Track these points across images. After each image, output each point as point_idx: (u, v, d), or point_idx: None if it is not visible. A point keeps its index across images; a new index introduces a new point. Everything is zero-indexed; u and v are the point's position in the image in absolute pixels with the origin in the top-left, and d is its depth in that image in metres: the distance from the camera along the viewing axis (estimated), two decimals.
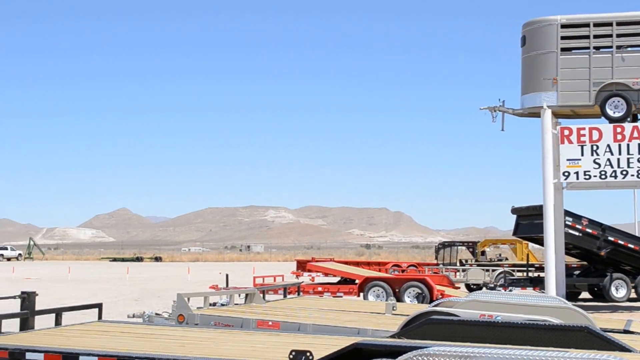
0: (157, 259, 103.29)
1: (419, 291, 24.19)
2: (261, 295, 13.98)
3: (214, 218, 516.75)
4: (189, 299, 11.50)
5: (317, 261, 31.62)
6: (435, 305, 10.78)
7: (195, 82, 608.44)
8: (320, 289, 25.96)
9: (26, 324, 9.85)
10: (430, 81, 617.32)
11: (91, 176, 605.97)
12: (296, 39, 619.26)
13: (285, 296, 16.64)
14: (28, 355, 7.60)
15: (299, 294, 18.16)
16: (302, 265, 31.42)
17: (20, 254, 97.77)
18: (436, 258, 40.18)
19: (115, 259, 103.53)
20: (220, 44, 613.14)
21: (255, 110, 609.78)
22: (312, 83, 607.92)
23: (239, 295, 14.38)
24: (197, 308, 11.93)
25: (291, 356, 6.12)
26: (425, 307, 11.32)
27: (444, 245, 40.47)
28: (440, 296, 22.61)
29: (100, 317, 10.81)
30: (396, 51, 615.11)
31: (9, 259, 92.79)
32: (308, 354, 6.07)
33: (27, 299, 9.99)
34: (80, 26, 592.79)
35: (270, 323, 10.76)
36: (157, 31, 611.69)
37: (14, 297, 10.27)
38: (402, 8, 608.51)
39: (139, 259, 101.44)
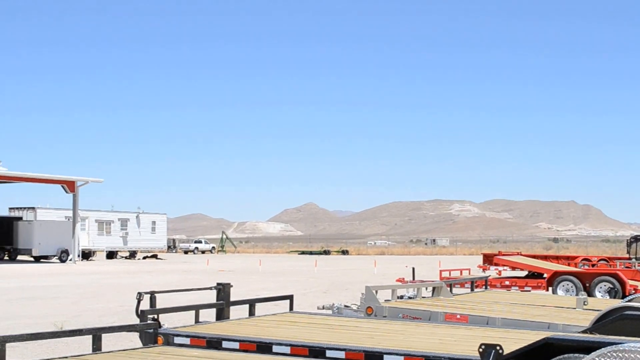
0: (344, 252, 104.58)
1: (611, 286, 23.41)
2: (448, 288, 13.94)
3: (399, 212, 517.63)
4: (377, 292, 11.61)
5: (503, 255, 31.13)
6: (629, 301, 10.44)
7: (382, 77, 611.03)
8: (507, 282, 25.58)
9: (222, 314, 10.20)
10: (615, 76, 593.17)
11: (280, 172, 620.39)
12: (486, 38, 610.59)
13: (472, 290, 16.51)
14: (224, 344, 7.87)
15: (486, 288, 17.96)
16: (488, 259, 31.00)
17: (213, 247, 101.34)
18: (628, 252, 38.64)
19: (303, 252, 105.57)
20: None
21: (440, 106, 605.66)
22: (503, 82, 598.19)
23: (426, 289, 14.39)
24: (385, 301, 12.04)
25: (481, 350, 6.07)
26: (618, 302, 10.98)
27: (636, 238, 38.89)
28: (633, 291, 21.83)
29: (291, 308, 11.07)
30: (578, 50, 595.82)
31: (203, 252, 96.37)
32: (498, 347, 6.01)
33: (223, 290, 10.33)
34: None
35: (458, 316, 10.73)
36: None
37: (210, 288, 10.65)
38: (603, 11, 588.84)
39: (326, 252, 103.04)
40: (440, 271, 27.62)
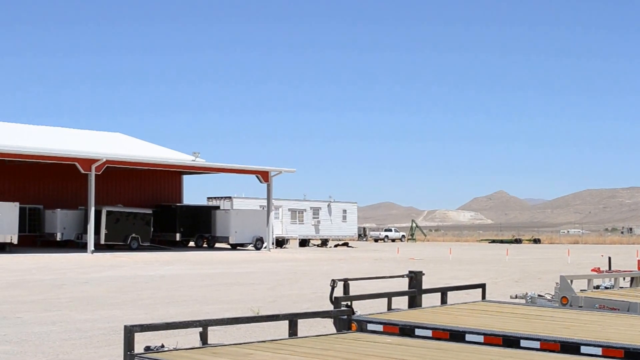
0: (536, 241, 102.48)
1: None
2: None
3: (593, 200, 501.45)
4: (571, 281, 11.35)
5: None
6: None
7: (580, 59, 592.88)
8: None
9: (414, 302, 10.26)
10: None
11: (469, 160, 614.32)
12: None
13: None
14: (417, 331, 7.91)
15: None
16: None
17: (403, 236, 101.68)
18: None
19: (493, 241, 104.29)
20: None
21: (636, 89, 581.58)
22: None
23: (624, 279, 13.93)
24: (581, 290, 11.75)
25: None
26: None
27: None
28: None
29: (483, 297, 10.99)
30: None
31: (393, 240, 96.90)
32: None
33: (415, 278, 10.39)
34: None
35: None
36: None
37: (402, 276, 10.73)
38: None
39: (517, 241, 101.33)
40: (638, 261, 26.59)
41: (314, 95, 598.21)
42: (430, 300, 10.97)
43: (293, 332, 7.78)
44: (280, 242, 64.69)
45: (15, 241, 45.62)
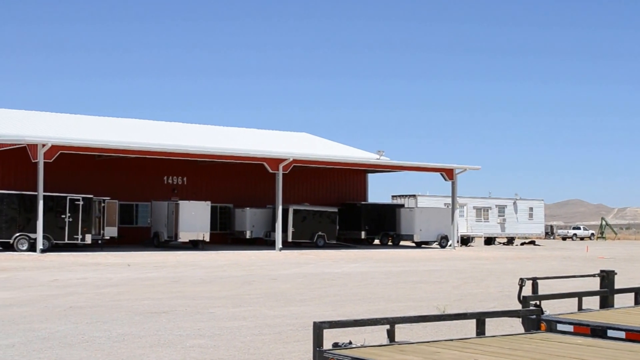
0: None
1: None
2: None
3: None
4: None
5: None
6: None
7: None
8: None
9: (606, 302, 9.98)
10: None
11: None
12: None
13: None
14: (609, 332, 7.70)
15: None
16: None
17: (592, 234, 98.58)
18: None
19: None
20: None
21: None
22: None
23: None
24: None
25: None
26: None
27: None
28: None
29: None
30: None
31: (581, 239, 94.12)
32: None
33: (607, 277, 10.11)
34: None
35: None
36: None
37: (593, 275, 10.46)
38: None
39: None
40: None
41: (499, 94, 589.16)
42: (622, 300, 10.64)
43: (480, 331, 7.74)
44: (465, 240, 64.18)
45: (207, 239, 47.50)
